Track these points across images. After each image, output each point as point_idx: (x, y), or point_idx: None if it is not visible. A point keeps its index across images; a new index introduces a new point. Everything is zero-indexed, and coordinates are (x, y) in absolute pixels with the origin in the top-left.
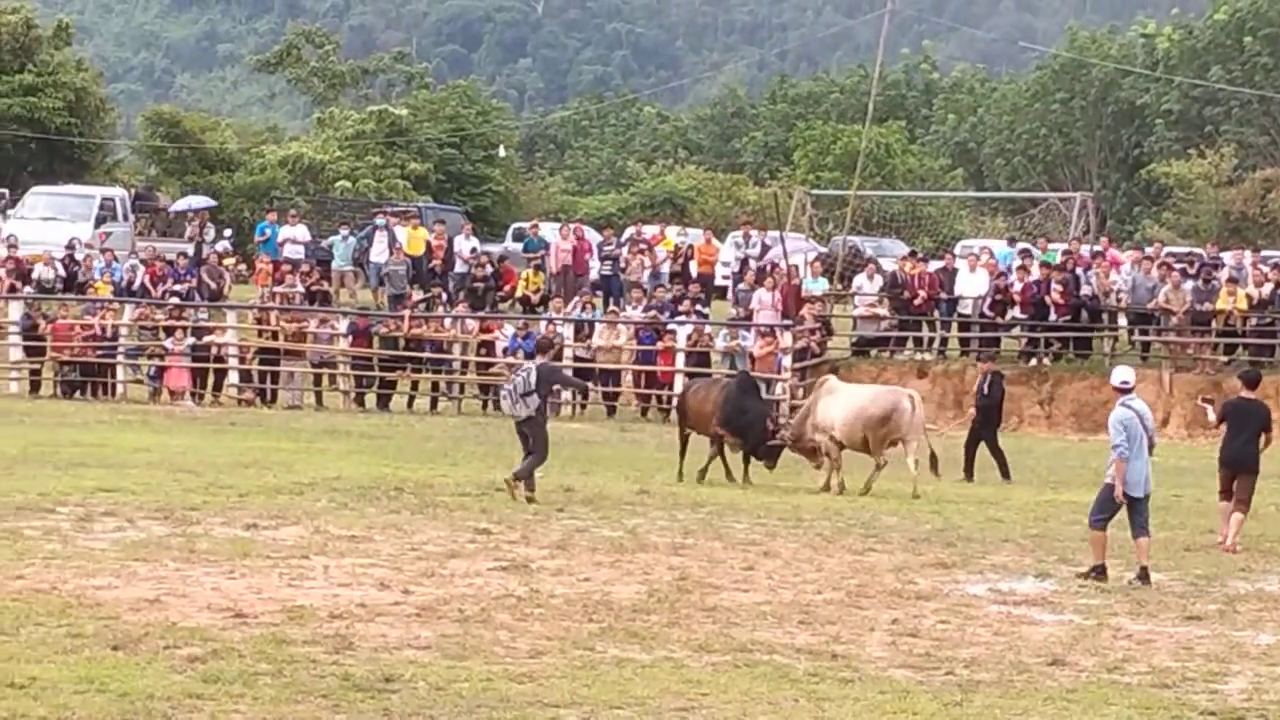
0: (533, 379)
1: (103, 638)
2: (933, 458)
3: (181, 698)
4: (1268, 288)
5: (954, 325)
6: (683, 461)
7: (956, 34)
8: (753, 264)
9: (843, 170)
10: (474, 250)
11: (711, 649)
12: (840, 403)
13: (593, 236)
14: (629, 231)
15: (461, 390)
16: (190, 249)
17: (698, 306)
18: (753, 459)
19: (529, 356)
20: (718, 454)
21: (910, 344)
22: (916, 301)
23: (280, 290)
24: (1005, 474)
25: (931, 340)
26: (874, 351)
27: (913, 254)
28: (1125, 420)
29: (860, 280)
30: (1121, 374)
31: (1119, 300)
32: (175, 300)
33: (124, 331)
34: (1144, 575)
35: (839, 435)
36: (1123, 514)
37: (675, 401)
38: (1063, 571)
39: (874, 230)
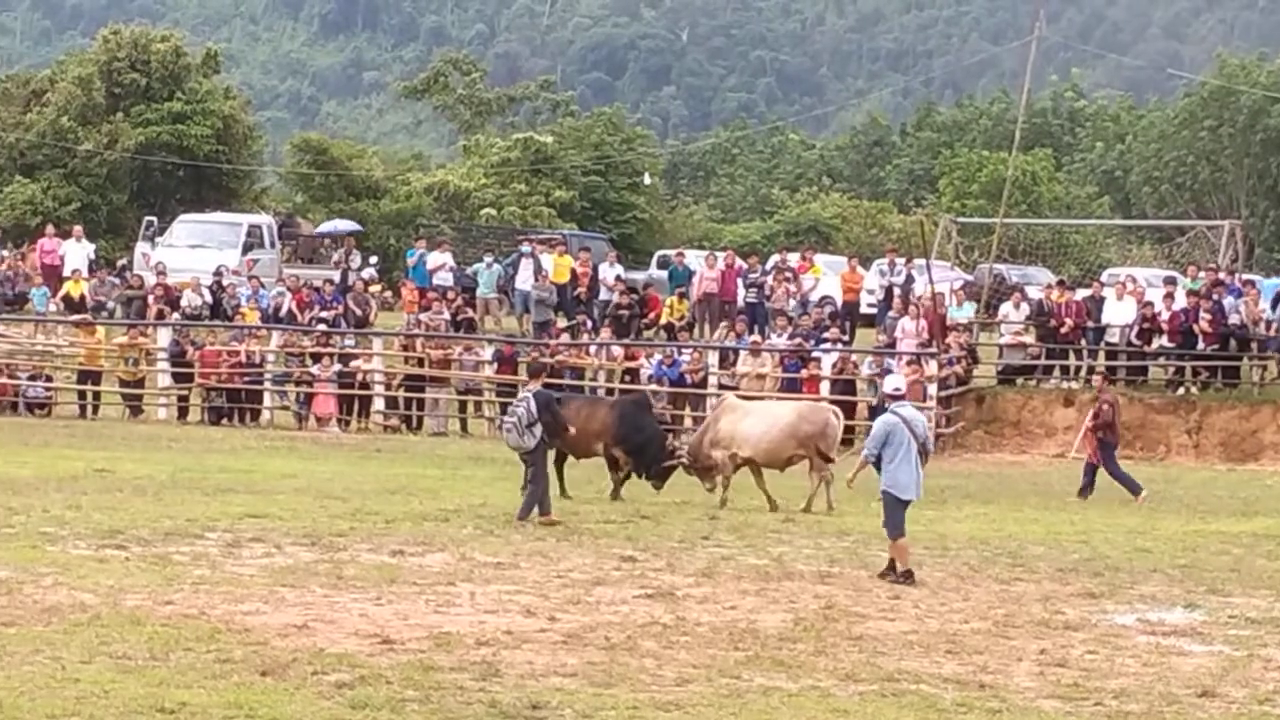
0: (533, 407)
1: (251, 663)
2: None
3: None
4: None
5: (1101, 354)
6: (561, 478)
7: (1103, 61)
8: (897, 292)
9: (988, 198)
10: (618, 277)
11: (858, 678)
12: (756, 421)
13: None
14: (773, 259)
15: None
16: (336, 276)
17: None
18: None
19: (673, 384)
20: (618, 472)
21: (1057, 372)
22: (1063, 330)
23: (426, 318)
24: None
25: (1078, 369)
26: (1020, 380)
27: (1060, 283)
28: (889, 427)
29: (1006, 308)
30: (893, 382)
31: (1268, 329)
32: (322, 327)
33: (271, 358)
34: (892, 568)
35: (752, 451)
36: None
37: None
38: (1212, 602)
39: (1020, 258)
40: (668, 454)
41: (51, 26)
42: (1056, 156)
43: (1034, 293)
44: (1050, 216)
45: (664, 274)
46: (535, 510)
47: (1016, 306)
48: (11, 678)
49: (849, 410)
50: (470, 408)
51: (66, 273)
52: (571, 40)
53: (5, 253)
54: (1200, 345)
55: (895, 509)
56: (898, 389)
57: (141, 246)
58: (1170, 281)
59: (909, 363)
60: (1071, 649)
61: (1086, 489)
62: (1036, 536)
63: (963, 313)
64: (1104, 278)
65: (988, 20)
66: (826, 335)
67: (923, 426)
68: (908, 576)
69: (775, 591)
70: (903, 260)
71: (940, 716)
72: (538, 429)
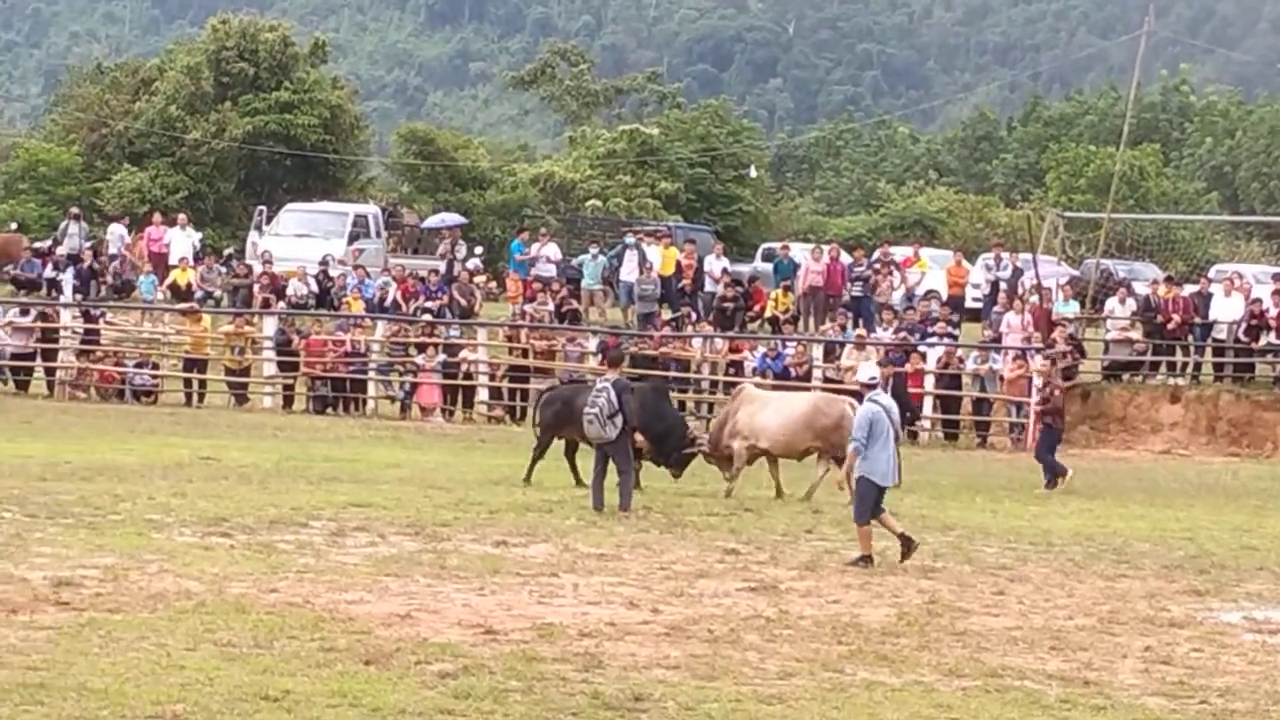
0: (613, 397)
1: (355, 652)
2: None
3: (433, 713)
4: None
5: (1208, 350)
6: (534, 466)
7: (1212, 56)
8: (1003, 286)
9: (1095, 193)
10: (725, 270)
11: (962, 673)
12: (774, 411)
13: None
14: (877, 253)
15: (710, 410)
16: (442, 266)
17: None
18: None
19: (777, 377)
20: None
21: (1163, 368)
22: (1169, 326)
23: (530, 308)
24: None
25: (1185, 365)
26: (1126, 376)
27: (1168, 278)
28: (872, 415)
29: (1112, 304)
30: (867, 371)
31: None
32: (427, 317)
33: (375, 348)
34: (866, 560)
35: (770, 443)
36: None
37: (543, 406)
38: None
39: (1126, 253)
40: (688, 442)
41: (160, 16)
42: (1165, 151)
43: (1140, 288)
44: (1158, 212)
45: (769, 267)
46: (617, 499)
47: (1122, 302)
48: (117, 664)
49: (954, 405)
50: None
51: (172, 261)
52: (678, 32)
53: (117, 239)
54: None
55: (869, 495)
56: (873, 378)
57: (253, 236)
58: (1279, 278)
59: (1014, 358)
60: (1177, 646)
61: (1060, 474)
62: (1142, 533)
63: (1069, 308)
64: (1211, 274)
65: (1096, 14)
66: (934, 329)
67: (896, 413)
68: (866, 560)
69: (878, 586)
70: (1008, 255)
71: (1044, 713)
72: (619, 419)
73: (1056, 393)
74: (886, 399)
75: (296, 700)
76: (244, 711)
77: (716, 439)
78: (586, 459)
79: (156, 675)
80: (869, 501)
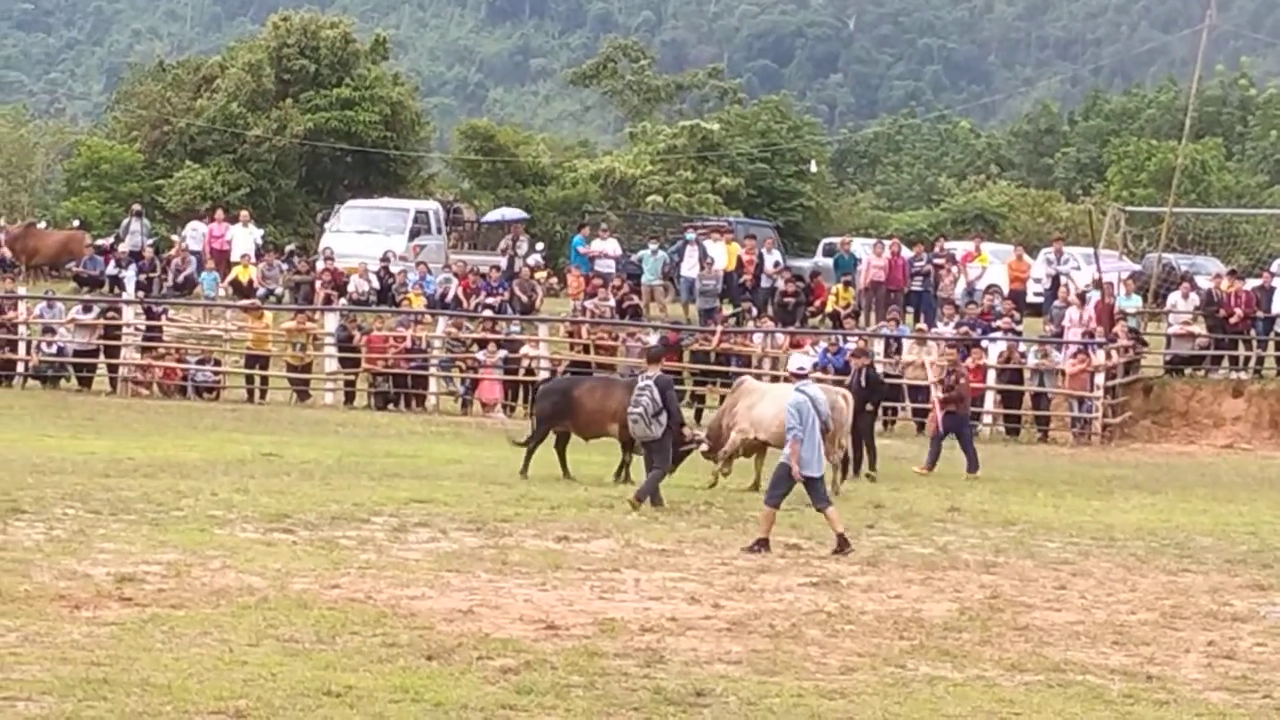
0: (657, 395)
1: (417, 647)
2: (844, 459)
3: (495, 708)
4: None
5: (1270, 344)
6: (530, 458)
7: (1274, 49)
8: (1064, 281)
9: (1157, 187)
10: (776, 264)
11: (1024, 668)
12: (770, 402)
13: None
14: (935, 247)
15: None
16: (503, 262)
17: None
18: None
19: (839, 372)
20: (629, 454)
21: (1225, 363)
22: (1232, 320)
23: (591, 304)
24: (872, 465)
25: (1247, 359)
26: (1188, 370)
27: (1230, 272)
28: (799, 405)
29: (1174, 298)
30: (798, 360)
31: None
32: (488, 313)
33: (436, 344)
34: (842, 542)
35: (767, 435)
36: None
37: (541, 397)
38: None
39: (1188, 247)
40: (685, 439)
41: (222, 13)
42: (1226, 145)
43: (1203, 282)
44: (1220, 206)
45: (830, 262)
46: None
47: (1185, 296)
48: (180, 660)
49: (1015, 400)
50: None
51: (234, 258)
52: (738, 28)
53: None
54: None
55: (786, 483)
56: (801, 368)
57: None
58: None
59: (1075, 353)
60: (1240, 641)
61: (927, 466)
62: (1204, 527)
63: (1130, 302)
64: (1274, 268)
65: (1157, 8)
66: (998, 324)
67: (825, 405)
68: (762, 545)
69: (940, 581)
70: (1070, 249)
71: (1107, 707)
72: (663, 417)
73: (960, 380)
74: (814, 389)
75: (359, 696)
76: (306, 707)
77: (716, 433)
78: (578, 452)
79: (219, 671)
80: (783, 486)
